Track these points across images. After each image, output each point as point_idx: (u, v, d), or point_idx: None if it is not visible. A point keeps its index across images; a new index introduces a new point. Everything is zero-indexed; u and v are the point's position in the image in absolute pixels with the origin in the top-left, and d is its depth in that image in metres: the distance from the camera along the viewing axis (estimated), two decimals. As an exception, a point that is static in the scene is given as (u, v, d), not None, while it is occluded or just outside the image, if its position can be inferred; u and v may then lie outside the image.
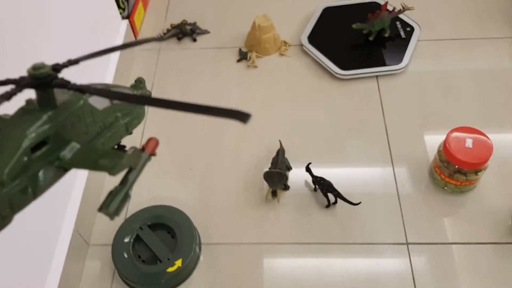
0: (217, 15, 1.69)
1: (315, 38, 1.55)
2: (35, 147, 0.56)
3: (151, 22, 1.71)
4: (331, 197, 1.20)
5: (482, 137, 1.13)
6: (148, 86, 1.49)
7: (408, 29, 1.54)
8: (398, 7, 1.54)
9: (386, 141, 1.31)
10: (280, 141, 1.29)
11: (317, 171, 1.24)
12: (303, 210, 1.20)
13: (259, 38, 1.53)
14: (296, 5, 1.69)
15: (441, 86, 1.42)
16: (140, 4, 1.69)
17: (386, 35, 1.52)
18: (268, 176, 1.19)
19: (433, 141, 1.24)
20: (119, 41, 1.49)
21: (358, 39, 1.53)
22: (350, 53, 1.51)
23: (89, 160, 0.59)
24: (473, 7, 1.62)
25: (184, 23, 1.65)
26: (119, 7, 1.58)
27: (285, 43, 1.58)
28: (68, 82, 0.58)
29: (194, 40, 1.63)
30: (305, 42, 1.54)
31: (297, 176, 1.26)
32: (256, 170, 1.28)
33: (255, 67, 1.53)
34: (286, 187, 1.23)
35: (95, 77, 1.36)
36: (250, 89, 1.47)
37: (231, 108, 0.48)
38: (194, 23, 1.66)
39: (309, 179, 1.23)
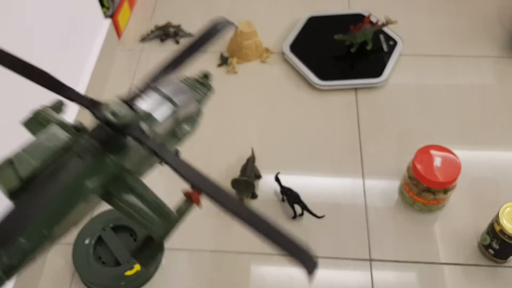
0: (203, 19, 1.67)
1: (297, 47, 1.54)
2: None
3: (137, 22, 1.70)
4: (298, 208, 1.19)
5: (451, 156, 1.12)
6: (127, 87, 1.48)
7: (391, 42, 1.53)
8: (382, 20, 1.53)
9: (359, 154, 1.30)
10: (252, 149, 1.28)
11: (288, 180, 1.22)
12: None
13: (240, 44, 1.52)
14: (282, 13, 1.68)
15: (419, 101, 1.41)
16: (126, 4, 1.68)
17: (369, 47, 1.51)
18: (235, 184, 1.18)
19: (406, 157, 1.23)
20: (100, 40, 1.48)
21: (341, 50, 1.53)
22: (331, 64, 1.50)
23: (135, 217, 0.56)
24: (457, 25, 1.61)
25: (168, 25, 1.64)
26: (103, 6, 1.58)
27: (267, 50, 1.57)
28: (144, 137, 0.52)
29: (177, 42, 1.63)
30: (287, 50, 1.54)
31: (267, 184, 1.25)
32: (226, 177, 1.26)
33: (235, 73, 1.52)
34: (254, 196, 1.22)
35: (72, 73, 1.35)
36: (227, 95, 1.46)
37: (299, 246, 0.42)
38: (179, 26, 1.65)
39: (279, 188, 1.22)
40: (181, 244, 1.16)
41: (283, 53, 1.54)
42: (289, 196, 1.17)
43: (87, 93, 1.35)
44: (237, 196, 1.19)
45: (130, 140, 0.54)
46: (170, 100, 0.64)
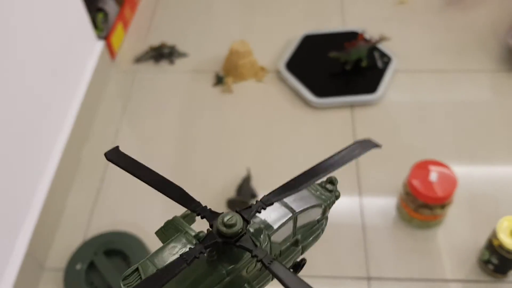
0: (198, 38, 1.69)
1: (293, 65, 1.54)
2: None
3: (131, 44, 1.70)
4: (294, 227, 1.17)
5: (446, 170, 1.11)
6: (121, 108, 1.48)
7: (385, 59, 1.53)
8: (376, 37, 1.53)
9: (355, 171, 1.29)
10: (248, 168, 1.27)
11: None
12: (266, 240, 1.17)
13: (235, 64, 1.52)
14: (277, 32, 1.68)
15: (415, 117, 1.41)
16: (120, 25, 1.68)
17: (364, 64, 1.51)
18: (230, 204, 1.17)
19: (403, 173, 1.21)
20: (93, 62, 1.48)
21: (336, 68, 1.52)
22: (327, 82, 1.50)
23: None
24: (452, 39, 1.61)
25: (163, 46, 1.65)
26: (96, 27, 1.58)
27: (263, 69, 1.57)
28: (255, 247, 0.50)
29: (172, 62, 1.63)
30: (282, 68, 1.53)
31: (262, 204, 1.23)
32: (222, 197, 1.25)
33: (230, 92, 1.52)
34: (250, 216, 1.20)
35: (64, 96, 1.35)
36: (223, 114, 1.46)
37: None
38: (173, 46, 1.65)
39: (274, 207, 1.20)
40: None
41: (278, 72, 1.54)
42: None
43: (79, 115, 1.35)
44: None
45: (241, 251, 0.53)
46: (286, 206, 0.64)
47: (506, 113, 1.40)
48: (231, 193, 1.24)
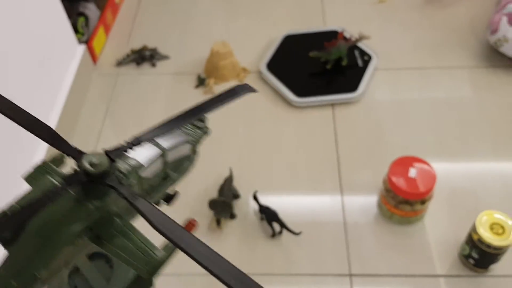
0: (180, 40, 1.69)
1: (274, 65, 1.55)
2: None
3: (113, 47, 1.70)
4: (277, 226, 1.18)
5: (425, 166, 1.11)
6: (103, 111, 1.48)
7: (365, 57, 1.54)
8: (356, 36, 1.54)
9: (336, 169, 1.29)
10: (230, 168, 1.28)
11: (267, 198, 1.22)
12: (249, 240, 1.18)
13: (216, 65, 1.52)
14: (259, 32, 1.69)
15: (395, 114, 1.42)
16: (101, 29, 1.68)
17: (344, 63, 1.51)
18: (212, 205, 1.17)
19: (383, 170, 1.22)
20: (74, 67, 1.48)
21: (317, 67, 1.53)
22: (308, 81, 1.50)
23: (125, 256, 0.58)
24: (431, 37, 1.62)
25: (144, 49, 1.65)
26: (77, 31, 1.58)
27: (244, 69, 1.57)
28: (119, 185, 0.53)
29: (153, 65, 1.63)
30: (264, 69, 1.54)
31: (246, 204, 1.24)
32: (204, 197, 1.25)
33: (212, 93, 1.52)
34: (233, 216, 1.21)
35: (45, 101, 1.35)
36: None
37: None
38: (155, 49, 1.65)
39: (257, 207, 1.21)
40: (170, 269, 1.14)
41: (260, 72, 1.55)
42: (267, 215, 1.16)
43: (61, 118, 1.35)
44: (215, 217, 1.17)
45: (107, 188, 0.56)
46: (157, 144, 0.66)
47: (486, 108, 1.41)
48: (214, 193, 1.24)
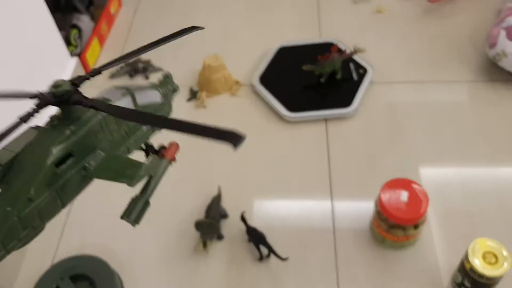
0: (174, 53, 1.66)
1: (267, 78, 1.52)
2: (61, 161, 0.61)
3: (107, 59, 1.66)
4: (264, 249, 1.15)
5: (418, 188, 1.08)
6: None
7: (361, 71, 1.50)
8: (350, 49, 1.50)
9: (328, 188, 1.26)
10: (219, 186, 1.25)
11: (257, 216, 1.19)
12: (237, 262, 1.15)
13: (208, 78, 1.50)
14: (252, 44, 1.66)
15: (390, 130, 1.38)
16: (95, 41, 1.66)
17: (338, 77, 1.48)
18: (198, 226, 1.14)
19: (377, 190, 1.19)
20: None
21: (311, 80, 1.50)
22: (301, 95, 1.47)
23: (110, 172, 0.64)
24: (429, 50, 1.58)
25: (138, 61, 1.62)
26: (70, 44, 1.56)
27: (237, 82, 1.55)
28: (83, 99, 0.60)
29: (147, 77, 1.60)
30: (256, 82, 1.51)
31: (234, 224, 1.21)
32: (192, 218, 1.22)
33: (204, 107, 1.49)
34: (220, 237, 1.18)
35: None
36: (196, 131, 1.43)
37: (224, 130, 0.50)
38: (148, 61, 1.63)
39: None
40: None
41: (252, 85, 1.52)
42: (254, 237, 1.13)
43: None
44: (201, 239, 1.15)
45: (79, 109, 0.62)
46: (126, 88, 0.73)
47: (484, 124, 1.37)
48: (202, 214, 1.21)
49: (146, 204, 0.66)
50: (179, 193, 1.28)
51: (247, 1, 1.82)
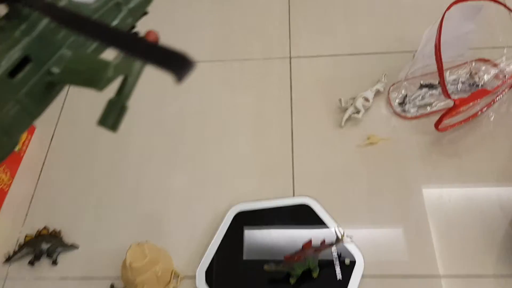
0: (94, 222, 1.23)
1: (216, 270, 1.09)
2: (17, 68, 0.54)
3: (3, 232, 1.24)
4: None
5: None
6: None
7: (347, 263, 1.07)
8: (331, 240, 1.07)
9: None
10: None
11: None
12: None
13: (133, 281, 1.06)
14: (201, 209, 1.22)
15: None
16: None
17: (315, 275, 1.05)
18: None
19: None
20: None
21: (276, 278, 1.06)
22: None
23: (75, 76, 0.56)
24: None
25: (42, 235, 1.19)
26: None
27: (177, 275, 1.11)
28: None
29: (54, 262, 1.17)
30: (201, 279, 1.08)
31: None
32: None
33: (128, 319, 1.06)
34: None
35: None
36: None
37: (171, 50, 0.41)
38: (59, 232, 1.20)
39: None
40: None
41: (195, 279, 1.09)
42: None
43: None
44: None
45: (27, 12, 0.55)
46: None
47: None
48: None
49: (124, 108, 0.60)
50: None
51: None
